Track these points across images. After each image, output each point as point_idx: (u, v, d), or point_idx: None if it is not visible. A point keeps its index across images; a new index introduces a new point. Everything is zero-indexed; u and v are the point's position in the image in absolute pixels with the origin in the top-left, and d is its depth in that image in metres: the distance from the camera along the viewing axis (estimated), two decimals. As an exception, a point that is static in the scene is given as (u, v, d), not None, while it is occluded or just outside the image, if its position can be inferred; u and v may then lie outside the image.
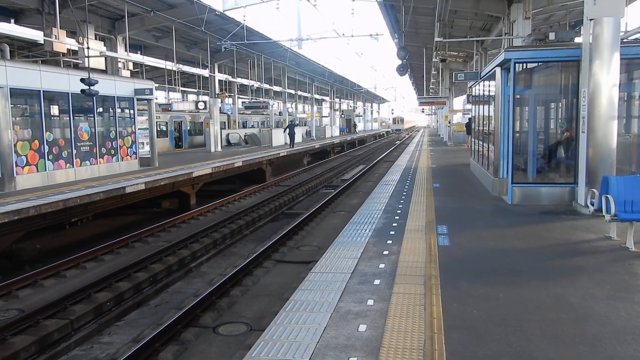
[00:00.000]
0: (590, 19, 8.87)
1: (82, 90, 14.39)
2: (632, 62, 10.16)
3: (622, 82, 9.93)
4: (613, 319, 4.53)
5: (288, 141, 31.89)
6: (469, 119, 28.43)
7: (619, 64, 8.84)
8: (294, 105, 55.67)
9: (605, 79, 8.81)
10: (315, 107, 51.75)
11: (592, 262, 6.29)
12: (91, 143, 16.07)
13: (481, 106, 15.46)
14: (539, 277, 5.69)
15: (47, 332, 6.85)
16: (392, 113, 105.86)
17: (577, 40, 10.42)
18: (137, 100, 18.53)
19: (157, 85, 29.15)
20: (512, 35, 15.80)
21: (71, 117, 15.19)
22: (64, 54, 16.90)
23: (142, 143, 23.07)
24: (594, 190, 7.94)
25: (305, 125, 54.41)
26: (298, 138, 39.43)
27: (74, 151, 15.27)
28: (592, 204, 7.83)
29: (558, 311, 4.72)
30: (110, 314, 7.83)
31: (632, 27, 16.17)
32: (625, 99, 11.25)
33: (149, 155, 19.85)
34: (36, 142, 13.87)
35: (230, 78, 32.99)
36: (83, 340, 7.01)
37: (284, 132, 32.80)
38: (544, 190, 10.30)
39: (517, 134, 11.13)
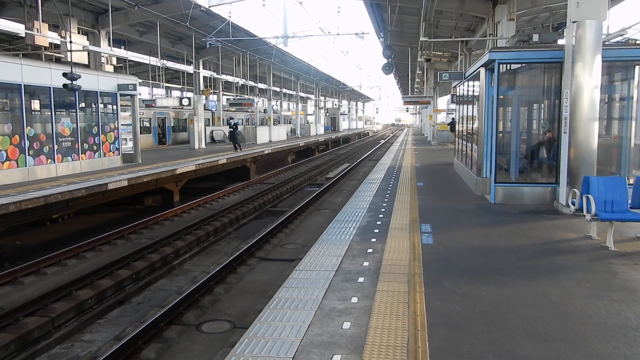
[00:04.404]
0: (573, 22, 8.98)
1: (65, 85, 14.21)
2: (614, 65, 10.32)
3: (604, 84, 10.09)
4: (593, 316, 4.60)
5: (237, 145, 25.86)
6: (452, 118, 28.68)
7: (601, 66, 8.98)
8: (279, 102, 55.54)
9: (587, 80, 8.94)
10: (300, 105, 51.67)
11: (573, 261, 6.38)
12: (73, 138, 15.86)
13: (465, 106, 15.57)
14: (521, 276, 5.75)
15: (27, 330, 6.75)
16: (377, 112, 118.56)
17: (560, 42, 10.55)
18: (120, 95, 18.34)
19: (140, 81, 28.93)
20: (497, 36, 15.93)
21: (53, 112, 14.98)
22: (46, 48, 16.61)
23: (125, 139, 22.85)
24: (575, 190, 8.06)
25: (289, 123, 54.31)
26: (282, 135, 39.33)
27: (56, 147, 15.05)
28: (573, 204, 7.95)
29: (540, 309, 4.78)
30: (91, 312, 7.75)
31: (613, 30, 16.43)
32: (607, 100, 11.43)
33: (132, 152, 19.67)
34: (16, 137, 13.65)
35: (215, 75, 32.79)
36: (64, 338, 6.93)
37: (229, 134, 26.88)
38: (526, 189, 10.42)
39: (501, 134, 11.24)
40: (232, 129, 26.31)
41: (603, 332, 4.27)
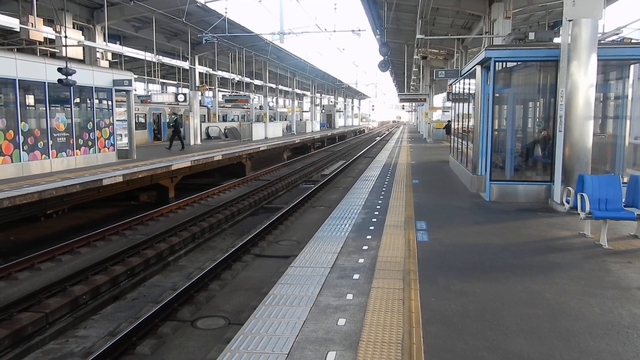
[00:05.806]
0: (569, 20, 9.01)
1: (59, 80, 14.14)
2: (609, 64, 10.37)
3: (599, 83, 10.13)
4: (587, 314, 4.63)
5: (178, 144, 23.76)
6: (448, 121, 28.71)
7: (596, 65, 9.01)
8: (274, 99, 55.46)
9: (582, 79, 8.97)
10: (296, 102, 51.61)
11: (567, 258, 6.41)
12: (68, 134, 15.79)
13: (461, 104, 15.60)
14: (515, 273, 5.78)
15: (21, 326, 6.72)
16: (373, 109, 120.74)
17: (556, 40, 10.58)
18: (115, 91, 18.27)
19: (136, 76, 28.66)
20: (493, 34, 15.94)
21: (47, 107, 14.90)
22: (40, 43, 16.53)
23: (120, 135, 22.73)
24: (570, 188, 8.10)
25: (285, 119, 54.25)
26: (277, 132, 39.25)
27: (50, 142, 14.98)
28: (568, 202, 7.98)
29: (534, 306, 4.81)
30: (86, 308, 7.72)
31: (609, 29, 16.48)
32: (602, 99, 11.48)
33: (127, 147, 19.60)
34: (11, 132, 13.58)
35: (210, 71, 32.70)
36: (58, 334, 6.91)
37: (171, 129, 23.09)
38: (521, 187, 10.46)
39: (496, 132, 11.27)
40: (172, 125, 23.77)
41: (596, 329, 4.30)
